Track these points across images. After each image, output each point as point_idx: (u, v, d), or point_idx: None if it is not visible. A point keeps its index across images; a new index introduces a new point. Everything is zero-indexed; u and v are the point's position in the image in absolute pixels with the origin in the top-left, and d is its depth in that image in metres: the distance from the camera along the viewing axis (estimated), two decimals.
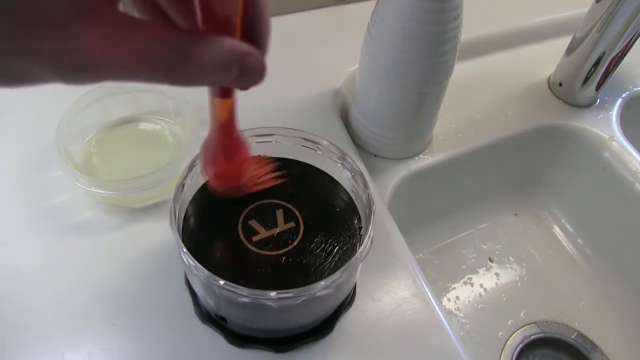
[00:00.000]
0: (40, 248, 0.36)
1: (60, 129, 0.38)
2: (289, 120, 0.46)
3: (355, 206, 0.33)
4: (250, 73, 0.20)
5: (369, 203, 0.31)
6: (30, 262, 0.36)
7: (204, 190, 0.32)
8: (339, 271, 0.28)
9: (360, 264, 0.31)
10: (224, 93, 0.23)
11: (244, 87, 0.21)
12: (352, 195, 0.33)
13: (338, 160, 0.34)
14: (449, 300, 0.52)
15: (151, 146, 0.42)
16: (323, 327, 0.34)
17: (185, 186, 0.31)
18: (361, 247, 0.29)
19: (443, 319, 0.35)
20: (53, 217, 0.38)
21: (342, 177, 0.34)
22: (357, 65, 0.43)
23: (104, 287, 0.35)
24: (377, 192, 0.42)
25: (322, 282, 0.27)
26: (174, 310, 0.34)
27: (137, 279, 0.35)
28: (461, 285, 0.53)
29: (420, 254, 0.55)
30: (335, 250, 0.31)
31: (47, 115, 0.41)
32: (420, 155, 0.47)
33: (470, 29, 0.44)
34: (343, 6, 0.58)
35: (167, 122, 0.44)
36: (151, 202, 0.39)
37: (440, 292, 0.53)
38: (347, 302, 0.35)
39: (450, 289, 0.53)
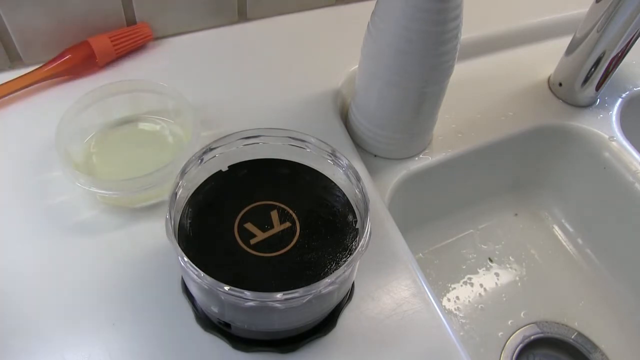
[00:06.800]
0: (40, 248, 0.36)
1: (60, 129, 0.38)
2: (289, 120, 0.46)
3: (349, 201, 0.33)
4: None
5: (363, 196, 0.31)
6: (30, 262, 0.36)
7: (196, 196, 0.32)
8: (343, 266, 0.28)
9: (359, 259, 0.31)
10: None
11: None
12: (345, 190, 0.33)
13: (328, 157, 0.33)
14: (449, 300, 0.52)
15: (151, 146, 0.42)
16: (326, 323, 0.34)
17: (178, 195, 0.31)
18: (361, 241, 0.29)
19: (443, 319, 0.35)
20: (53, 217, 0.38)
21: (334, 173, 0.34)
22: (357, 65, 0.43)
23: (104, 287, 0.35)
24: (377, 192, 0.42)
25: (327, 279, 0.27)
26: (175, 312, 0.34)
27: (137, 279, 0.35)
28: (461, 285, 0.53)
29: (420, 254, 0.55)
30: (333, 246, 0.31)
31: (47, 115, 0.41)
32: (420, 155, 0.47)
33: (470, 29, 0.44)
34: (343, 6, 0.58)
35: (167, 122, 0.44)
36: (151, 202, 0.39)
37: (440, 292, 0.53)
38: (347, 297, 0.35)
39: (450, 289, 0.53)
